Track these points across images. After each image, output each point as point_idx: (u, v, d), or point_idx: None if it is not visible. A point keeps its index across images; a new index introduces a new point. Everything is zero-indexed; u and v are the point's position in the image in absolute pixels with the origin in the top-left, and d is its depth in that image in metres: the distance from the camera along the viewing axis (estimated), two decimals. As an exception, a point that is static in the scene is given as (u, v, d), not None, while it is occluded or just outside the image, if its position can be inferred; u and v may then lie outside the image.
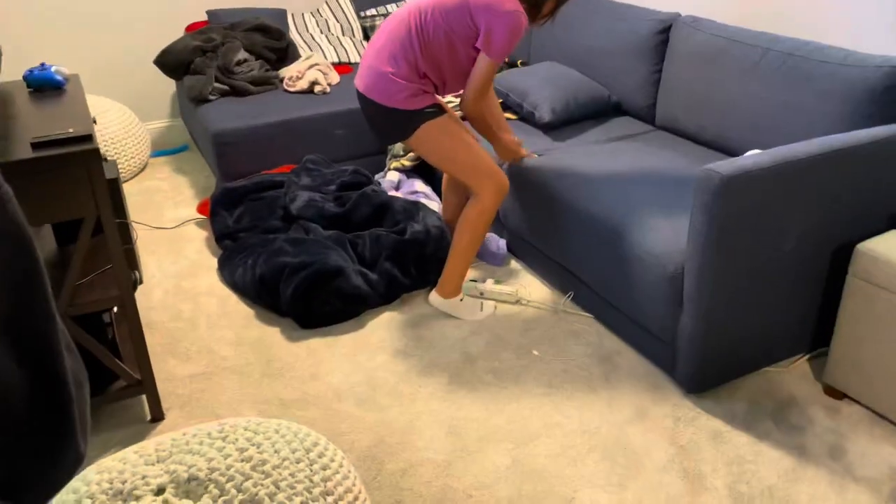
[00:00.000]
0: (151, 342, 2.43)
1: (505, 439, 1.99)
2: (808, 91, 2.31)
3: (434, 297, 2.55)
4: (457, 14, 2.23)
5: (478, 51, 2.26)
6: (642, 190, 2.35)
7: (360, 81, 2.37)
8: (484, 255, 2.86)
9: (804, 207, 1.96)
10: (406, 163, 3.36)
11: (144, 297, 2.68)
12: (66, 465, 0.65)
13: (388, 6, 4.12)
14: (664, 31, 2.86)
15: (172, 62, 3.52)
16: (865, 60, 2.20)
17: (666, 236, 2.09)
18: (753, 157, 1.87)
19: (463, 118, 2.93)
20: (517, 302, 2.60)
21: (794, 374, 2.21)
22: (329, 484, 1.45)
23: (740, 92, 2.52)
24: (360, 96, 2.39)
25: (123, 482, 1.35)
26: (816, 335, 2.24)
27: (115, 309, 2.30)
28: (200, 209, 3.17)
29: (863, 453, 1.91)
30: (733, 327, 2.05)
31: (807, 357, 2.27)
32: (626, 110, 3.11)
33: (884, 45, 2.39)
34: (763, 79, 2.45)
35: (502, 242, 2.86)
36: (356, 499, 1.49)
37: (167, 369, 2.30)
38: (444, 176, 2.80)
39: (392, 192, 3.19)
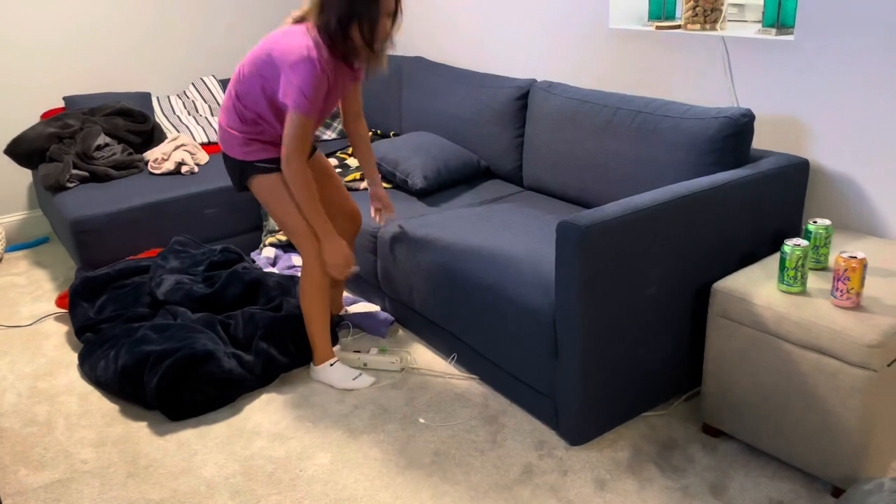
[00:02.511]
0: (0, 452, 2.20)
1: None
2: (657, 144, 2.44)
3: (311, 368, 2.50)
4: (267, 68, 2.17)
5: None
6: (513, 248, 2.39)
7: None
8: (368, 328, 2.81)
9: (660, 252, 2.04)
10: (282, 237, 3.29)
11: (-7, 404, 2.44)
12: None
13: (258, 85, 4.11)
14: (522, 97, 2.98)
15: (25, 151, 3.34)
16: (703, 113, 2.36)
17: (537, 291, 2.12)
18: (607, 207, 1.94)
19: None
20: (402, 370, 2.55)
21: (673, 416, 2.25)
22: (190, 588, 1.32)
23: (596, 149, 2.64)
24: None
25: None
26: (690, 375, 2.31)
27: (-45, 419, 2.07)
28: (59, 302, 2.96)
29: (742, 487, 1.95)
30: (609, 375, 2.08)
31: (684, 398, 2.33)
32: (495, 173, 3.19)
33: (718, 98, 2.59)
34: (616, 136, 2.58)
35: (384, 314, 2.81)
36: None
37: (17, 480, 2.08)
38: None
39: (269, 269, 3.11)
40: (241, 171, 2.33)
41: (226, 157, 2.36)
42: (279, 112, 2.25)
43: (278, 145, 2.30)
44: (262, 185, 2.31)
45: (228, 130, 2.30)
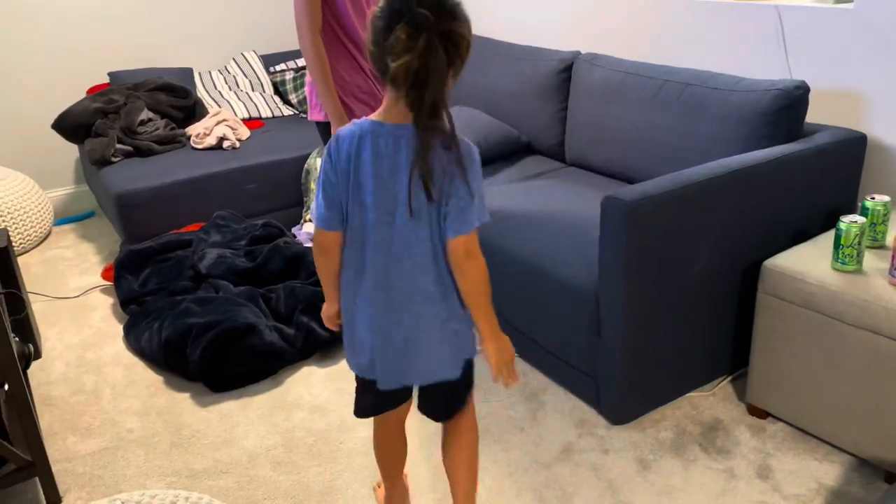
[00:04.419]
0: (49, 419, 2.25)
1: (431, 490, 1.90)
2: (706, 118, 2.37)
3: None
4: None
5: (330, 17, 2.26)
6: (555, 225, 2.35)
7: None
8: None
9: (708, 228, 1.98)
10: (322, 214, 3.29)
11: (43, 372, 2.50)
12: None
13: (298, 61, 4.10)
14: (566, 69, 2.92)
15: (71, 126, 3.39)
16: (755, 85, 2.28)
17: (580, 268, 2.08)
18: (654, 182, 1.89)
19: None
20: (440, 346, 2.54)
21: (718, 397, 2.20)
22: (233, 556, 1.33)
23: (642, 123, 2.57)
24: None
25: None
26: (736, 356, 2.25)
27: (6, 387, 2.12)
28: (105, 275, 3.01)
29: (790, 470, 1.90)
30: (652, 354, 2.03)
31: (729, 378, 2.28)
32: (537, 149, 3.14)
33: (771, 70, 2.49)
34: (663, 109, 2.50)
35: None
36: (265, 570, 1.38)
37: (66, 447, 2.13)
38: None
39: (309, 244, 3.11)
40: (323, 134, 2.35)
41: (316, 125, 2.40)
42: (330, 44, 2.27)
43: (352, 102, 2.31)
44: None
45: (313, 90, 2.31)
